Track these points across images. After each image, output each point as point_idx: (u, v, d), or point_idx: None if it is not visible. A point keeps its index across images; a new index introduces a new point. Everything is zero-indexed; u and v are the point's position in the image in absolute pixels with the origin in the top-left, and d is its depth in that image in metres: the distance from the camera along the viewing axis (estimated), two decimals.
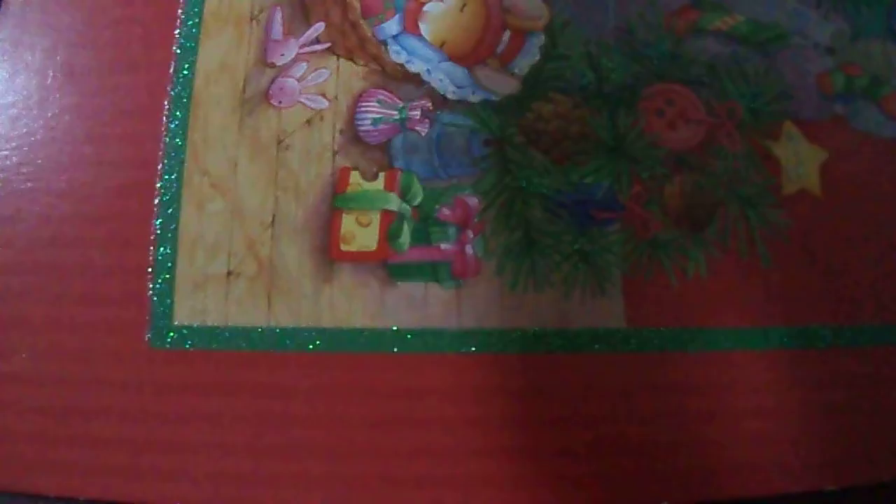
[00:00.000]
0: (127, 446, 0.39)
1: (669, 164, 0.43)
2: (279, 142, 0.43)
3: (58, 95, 0.43)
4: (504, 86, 0.44)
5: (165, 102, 0.43)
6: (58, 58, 0.44)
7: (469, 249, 0.41)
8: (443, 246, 0.41)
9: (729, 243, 0.42)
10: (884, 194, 0.43)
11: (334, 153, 0.43)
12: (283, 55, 0.44)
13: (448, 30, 0.44)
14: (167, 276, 0.40)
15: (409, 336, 0.40)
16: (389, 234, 0.41)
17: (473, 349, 0.40)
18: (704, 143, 0.43)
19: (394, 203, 0.42)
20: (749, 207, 0.43)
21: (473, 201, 0.42)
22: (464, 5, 0.45)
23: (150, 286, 0.40)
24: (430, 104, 0.43)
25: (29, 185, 0.42)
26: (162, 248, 0.41)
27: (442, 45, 0.44)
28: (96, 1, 0.45)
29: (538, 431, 0.39)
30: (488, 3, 0.45)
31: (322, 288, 0.41)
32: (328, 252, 0.41)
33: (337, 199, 0.42)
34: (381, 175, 0.43)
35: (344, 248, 0.41)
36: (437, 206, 0.42)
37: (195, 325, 0.40)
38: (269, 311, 0.40)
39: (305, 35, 0.44)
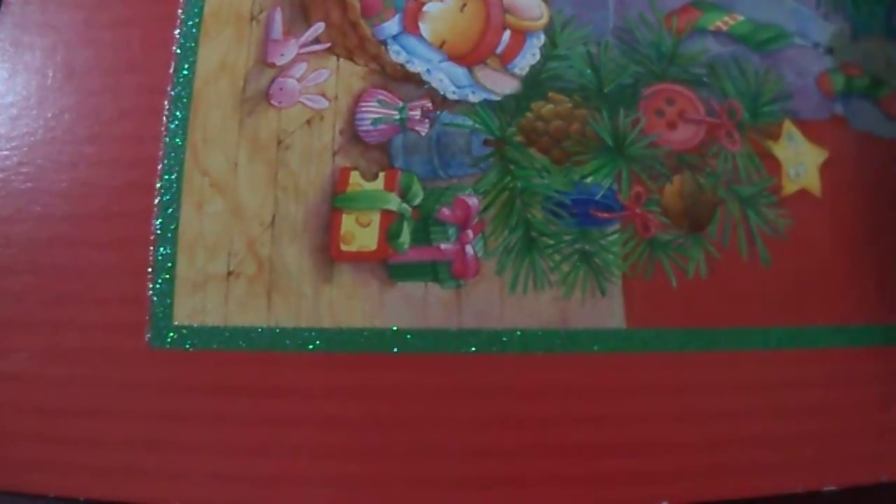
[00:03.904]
0: (127, 446, 0.39)
1: (669, 164, 0.43)
2: (279, 142, 0.43)
3: (58, 95, 0.43)
4: (504, 86, 0.44)
5: (165, 102, 0.43)
6: (58, 58, 0.44)
7: (469, 249, 0.41)
8: (443, 246, 0.41)
9: (729, 243, 0.42)
10: (884, 194, 0.43)
11: (334, 153, 0.43)
12: (283, 55, 0.44)
13: (448, 30, 0.44)
14: (167, 276, 0.40)
15: (409, 336, 0.40)
16: (389, 234, 0.41)
17: (473, 349, 0.40)
18: (704, 143, 0.43)
19: (394, 203, 0.42)
20: (749, 207, 0.43)
21: (473, 201, 0.42)
22: (464, 5, 0.45)
23: (150, 286, 0.40)
24: (430, 104, 0.43)
25: (29, 185, 0.42)
26: (162, 248, 0.41)
27: (442, 45, 0.44)
28: (96, 1, 0.45)
29: (537, 431, 0.39)
30: (488, 3, 0.45)
31: (322, 288, 0.41)
32: (328, 252, 0.41)
33: (337, 199, 0.42)
34: (381, 175, 0.43)
35: (344, 248, 0.41)
36: (437, 206, 0.42)
37: (195, 325, 0.40)
38: (269, 311, 0.40)
39: (305, 35, 0.44)
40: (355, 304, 0.41)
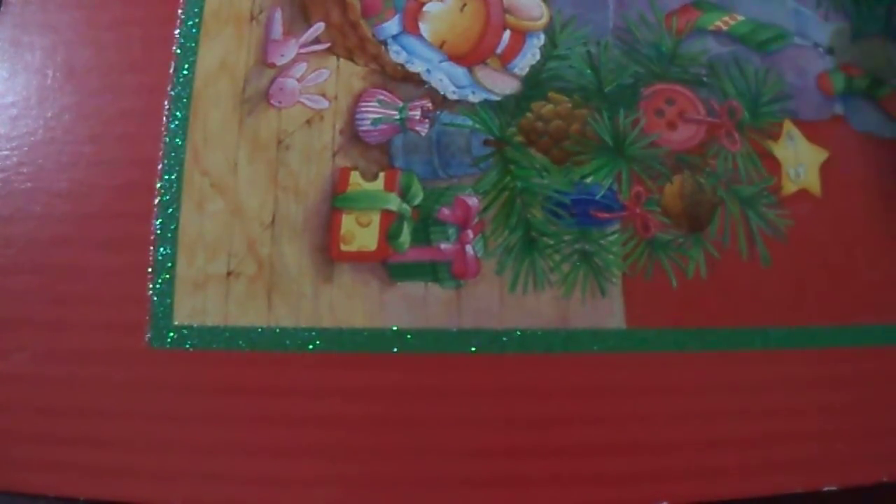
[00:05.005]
0: (127, 446, 0.39)
1: (669, 164, 0.43)
2: (279, 142, 0.43)
3: (58, 95, 0.43)
4: (504, 86, 0.44)
5: (165, 102, 0.43)
6: (58, 58, 0.44)
7: (469, 249, 0.41)
8: (443, 246, 0.41)
9: (729, 243, 0.42)
10: (884, 194, 0.43)
11: (334, 153, 0.43)
12: (283, 55, 0.44)
13: (448, 30, 0.44)
14: (167, 276, 0.40)
15: (409, 336, 0.40)
16: (389, 234, 0.41)
17: (473, 349, 0.40)
18: (704, 143, 0.43)
19: (394, 203, 0.42)
20: (749, 207, 0.43)
21: (473, 201, 0.42)
22: (464, 5, 0.45)
23: (150, 286, 0.40)
24: (430, 104, 0.43)
25: (29, 185, 0.42)
26: (162, 248, 0.41)
27: (442, 45, 0.44)
28: (96, 1, 0.45)
29: (537, 431, 0.39)
30: (488, 3, 0.45)
31: (322, 288, 0.41)
32: (328, 252, 0.41)
33: (337, 199, 0.42)
34: (381, 175, 0.43)
35: (344, 248, 0.41)
36: (437, 206, 0.42)
37: (195, 325, 0.40)
38: (269, 311, 0.40)
39: (305, 35, 0.44)
40: (355, 304, 0.41)
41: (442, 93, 0.44)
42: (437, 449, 0.39)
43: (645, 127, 0.43)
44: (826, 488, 0.39)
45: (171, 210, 0.41)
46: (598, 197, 0.42)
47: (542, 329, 0.40)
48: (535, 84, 0.44)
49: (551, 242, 0.42)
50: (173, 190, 0.42)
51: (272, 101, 0.43)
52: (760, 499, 0.38)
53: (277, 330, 0.40)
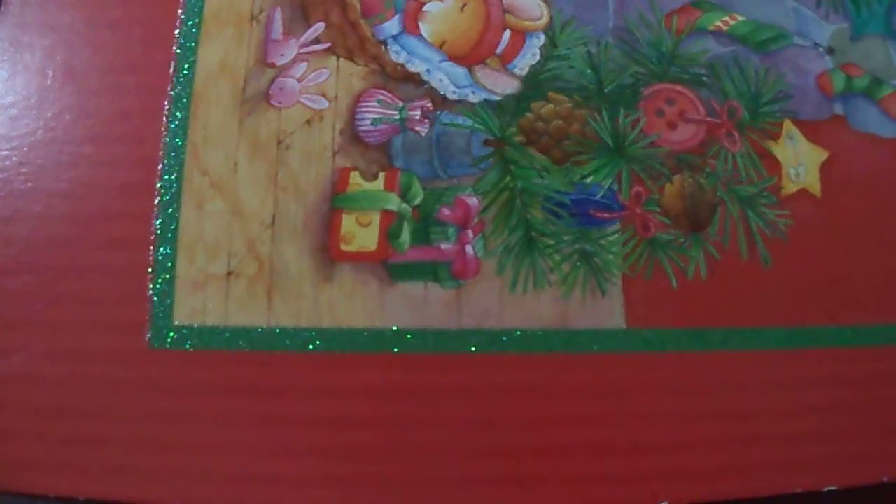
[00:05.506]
0: (127, 446, 0.39)
1: (669, 164, 0.43)
2: (279, 142, 0.43)
3: (58, 95, 0.43)
4: (504, 86, 0.44)
5: (165, 102, 0.43)
6: (58, 58, 0.44)
7: (469, 249, 0.41)
8: (443, 246, 0.41)
9: (729, 243, 0.42)
10: (884, 194, 0.43)
11: (334, 153, 0.43)
12: (283, 55, 0.44)
13: (448, 30, 0.44)
14: (167, 276, 0.40)
15: (409, 336, 0.40)
16: (389, 234, 0.41)
17: (473, 349, 0.40)
18: (704, 143, 0.43)
19: (394, 203, 0.42)
20: (749, 207, 0.43)
21: (473, 201, 0.42)
22: (464, 5, 0.45)
23: (150, 286, 0.40)
24: (430, 104, 0.43)
25: (29, 185, 0.42)
26: (162, 248, 0.41)
27: (442, 45, 0.44)
28: (96, 1, 0.45)
29: (538, 431, 0.39)
30: (488, 3, 0.45)
31: (322, 288, 0.41)
32: (328, 252, 0.41)
33: (337, 199, 0.42)
34: (381, 175, 0.43)
35: (344, 248, 0.41)
36: (437, 206, 0.42)
37: (195, 325, 0.40)
38: (269, 311, 0.40)
39: (305, 35, 0.44)
40: (355, 304, 0.41)
41: (442, 93, 0.44)
42: (437, 449, 0.39)
43: (645, 127, 0.43)
44: (826, 488, 0.39)
45: (171, 210, 0.41)
46: (598, 197, 0.42)
47: (542, 329, 0.40)
48: (535, 84, 0.44)
49: (551, 242, 0.42)
50: (173, 190, 0.42)
51: (272, 101, 0.43)
52: (760, 499, 0.38)
53: (277, 330, 0.40)
